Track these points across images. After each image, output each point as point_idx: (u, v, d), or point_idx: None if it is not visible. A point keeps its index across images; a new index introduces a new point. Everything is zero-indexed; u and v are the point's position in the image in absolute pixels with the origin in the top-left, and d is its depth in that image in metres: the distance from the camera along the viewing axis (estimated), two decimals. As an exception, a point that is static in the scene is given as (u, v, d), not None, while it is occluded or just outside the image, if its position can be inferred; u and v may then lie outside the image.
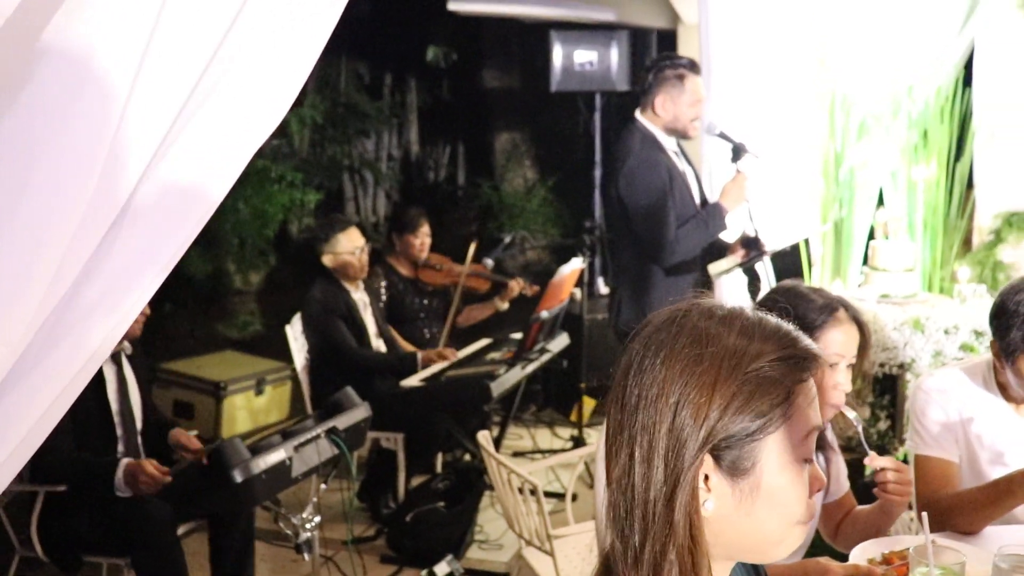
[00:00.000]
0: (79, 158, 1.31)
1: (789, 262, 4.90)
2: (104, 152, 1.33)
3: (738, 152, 3.63)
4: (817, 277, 4.90)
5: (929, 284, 4.71)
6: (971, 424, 2.32)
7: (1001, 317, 2.21)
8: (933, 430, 2.33)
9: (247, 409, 5.24)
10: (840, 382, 2.07)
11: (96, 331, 1.43)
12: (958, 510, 2.18)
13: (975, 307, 3.93)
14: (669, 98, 3.62)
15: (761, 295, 2.45)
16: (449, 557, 3.73)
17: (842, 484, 2.34)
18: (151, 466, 3.01)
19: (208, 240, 6.30)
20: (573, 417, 5.14)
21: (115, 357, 3.24)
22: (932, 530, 2.18)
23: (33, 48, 1.20)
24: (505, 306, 4.78)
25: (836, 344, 2.06)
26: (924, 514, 1.72)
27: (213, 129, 1.54)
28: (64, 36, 1.25)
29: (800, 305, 2.07)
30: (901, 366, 3.78)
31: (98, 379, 3.19)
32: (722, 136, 3.68)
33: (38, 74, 1.24)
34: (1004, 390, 2.30)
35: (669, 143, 3.71)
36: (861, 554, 1.98)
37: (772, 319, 1.10)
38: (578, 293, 4.89)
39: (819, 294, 2.13)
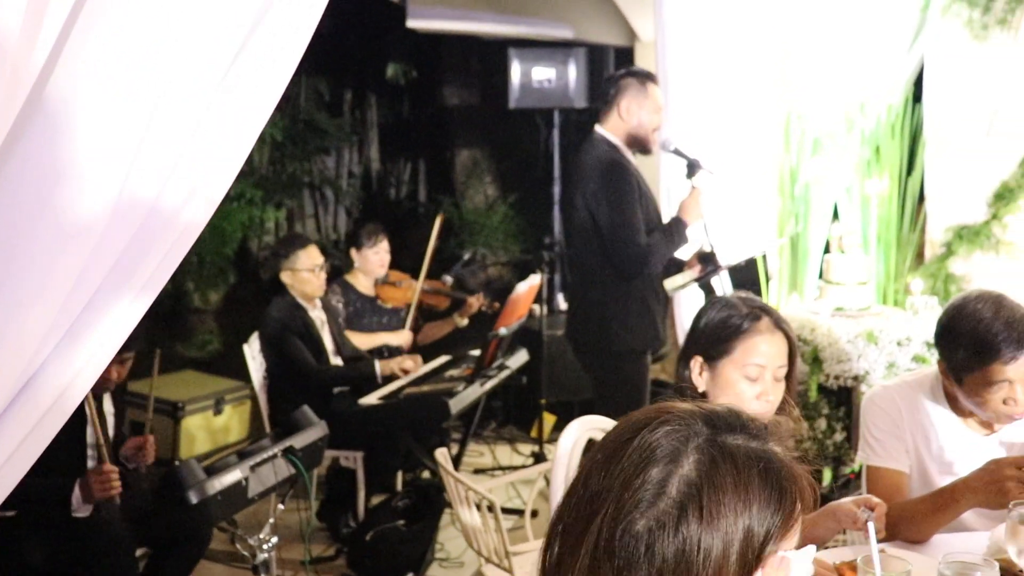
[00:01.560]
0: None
1: (747, 276, 4.95)
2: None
3: (693, 168, 3.67)
4: (775, 291, 4.95)
5: (884, 297, 4.78)
6: (920, 435, 2.36)
7: (947, 337, 2.24)
8: (883, 441, 2.37)
9: (206, 429, 5.19)
10: (764, 391, 2.06)
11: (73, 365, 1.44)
12: (906, 519, 2.21)
13: (927, 319, 3.99)
14: (635, 102, 3.66)
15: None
16: (409, 575, 3.72)
17: None
18: (96, 468, 2.98)
19: (166, 259, 6.24)
20: (534, 433, 5.14)
21: (98, 393, 3.22)
22: (883, 539, 2.22)
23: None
24: (464, 322, 4.78)
25: (759, 353, 2.05)
26: (870, 524, 1.74)
27: (196, 153, 1.55)
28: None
29: (726, 312, 2.09)
30: (856, 378, 3.83)
31: (77, 412, 3.15)
32: (677, 152, 3.72)
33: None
34: (952, 401, 2.34)
35: (628, 155, 3.75)
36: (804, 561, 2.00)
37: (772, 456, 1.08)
38: (537, 309, 4.90)
39: (746, 303, 2.13)
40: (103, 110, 1.34)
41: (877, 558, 1.61)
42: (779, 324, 2.09)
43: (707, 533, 1.00)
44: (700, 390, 2.11)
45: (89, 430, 3.16)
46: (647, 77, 3.71)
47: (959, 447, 2.33)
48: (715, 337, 2.08)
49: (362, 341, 4.54)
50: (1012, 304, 2.20)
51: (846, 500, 1.97)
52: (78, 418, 3.12)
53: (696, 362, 2.12)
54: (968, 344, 2.17)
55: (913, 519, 2.20)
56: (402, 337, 4.65)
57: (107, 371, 3.11)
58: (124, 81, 1.35)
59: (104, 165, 1.38)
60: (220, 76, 1.40)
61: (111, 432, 3.28)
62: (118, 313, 1.52)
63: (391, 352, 4.56)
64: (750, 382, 2.05)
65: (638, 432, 1.07)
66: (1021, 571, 1.88)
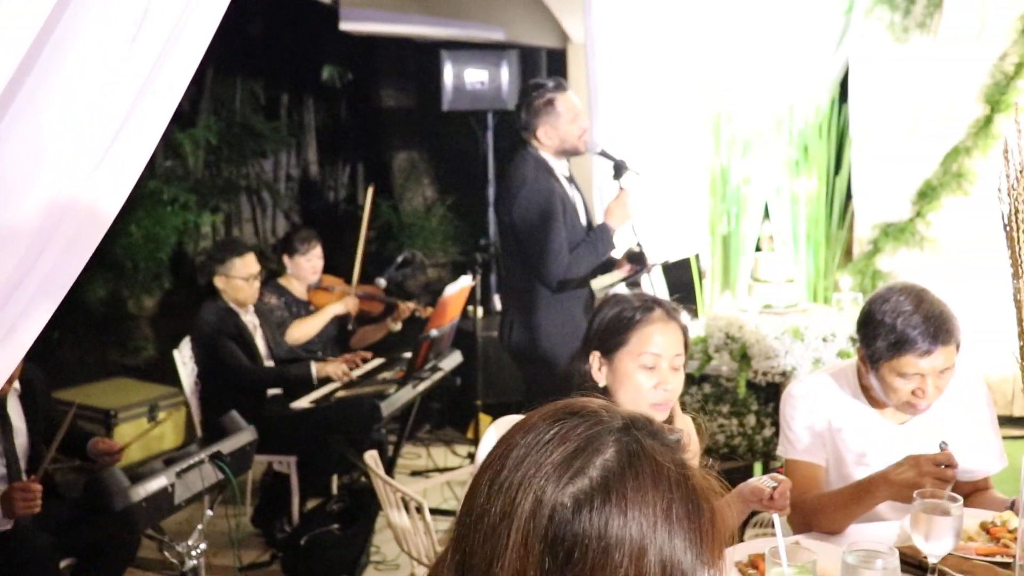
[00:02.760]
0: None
1: (680, 276, 5.01)
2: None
3: (619, 169, 3.71)
4: (708, 290, 5.02)
5: (814, 294, 4.86)
6: (836, 427, 2.41)
7: (868, 326, 2.30)
8: (800, 435, 2.42)
9: (140, 437, 5.11)
10: (662, 381, 2.10)
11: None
12: (822, 511, 2.26)
13: (852, 315, 4.06)
14: (549, 125, 3.71)
15: None
16: (344, 579, 3.70)
17: None
18: (18, 483, 2.93)
19: (100, 264, 6.15)
20: (470, 434, 5.15)
21: None
22: (799, 531, 2.27)
23: None
24: (398, 327, 4.78)
25: (653, 343, 2.09)
26: (775, 516, 1.78)
27: (101, 147, 1.53)
28: None
29: (619, 307, 2.13)
30: (783, 374, 3.89)
31: None
32: (603, 154, 3.75)
33: None
34: (867, 392, 2.39)
35: (560, 167, 3.80)
36: (729, 557, 2.03)
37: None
38: (472, 311, 4.91)
39: (639, 297, 2.18)
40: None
41: (783, 548, 1.64)
42: (672, 314, 2.13)
43: (625, 522, 0.98)
44: (601, 385, 2.14)
45: None
46: (554, 90, 3.72)
47: (873, 438, 2.39)
48: (610, 331, 2.12)
49: (310, 323, 4.53)
50: (933, 299, 2.27)
51: (752, 480, 2.03)
52: None
53: (594, 357, 2.15)
54: (887, 334, 2.23)
55: (829, 511, 2.25)
56: (349, 304, 4.67)
57: None
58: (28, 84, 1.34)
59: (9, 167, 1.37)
60: (112, 72, 1.39)
61: (23, 440, 3.20)
62: (22, 313, 1.49)
63: (328, 351, 4.54)
64: (647, 372, 2.09)
65: (556, 421, 1.05)
66: (925, 558, 1.93)
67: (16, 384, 3.19)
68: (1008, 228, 1.44)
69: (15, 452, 3.18)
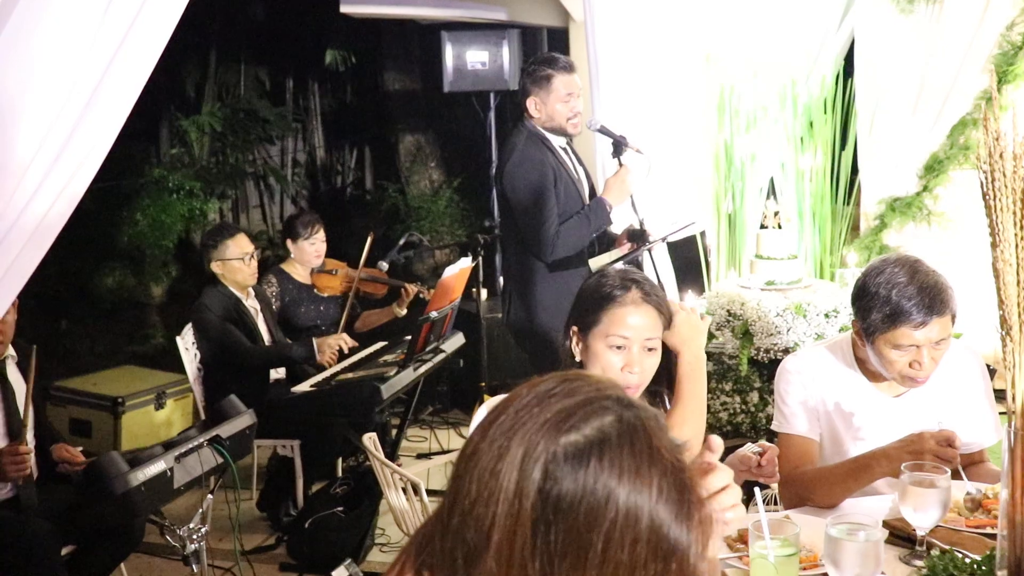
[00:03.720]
0: None
1: (686, 254, 4.99)
2: None
3: (619, 147, 3.68)
4: (714, 267, 4.99)
5: (820, 271, 4.83)
6: (831, 401, 2.39)
7: (863, 299, 2.28)
8: (794, 409, 2.40)
9: (147, 424, 5.15)
10: (629, 363, 2.04)
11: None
12: (818, 485, 2.25)
13: (856, 291, 4.03)
14: (539, 99, 3.71)
15: None
16: (348, 561, 3.67)
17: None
18: (7, 447, 2.95)
19: (107, 253, 6.18)
20: (477, 416, 5.14)
21: None
22: (792, 505, 2.25)
23: None
24: (403, 312, 4.77)
25: (624, 325, 2.04)
26: (756, 490, 1.76)
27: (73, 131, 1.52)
28: None
29: (598, 282, 2.11)
30: (786, 351, 3.86)
31: None
32: (602, 131, 3.73)
33: None
34: (863, 365, 2.37)
35: (557, 140, 3.77)
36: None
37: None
38: (475, 292, 4.89)
39: (621, 274, 2.13)
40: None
41: (766, 521, 1.63)
42: (648, 296, 2.07)
43: (618, 485, 0.94)
44: (577, 359, 2.12)
45: None
46: (551, 67, 3.71)
47: (869, 410, 2.37)
48: (586, 308, 2.09)
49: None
50: (927, 270, 2.24)
51: (738, 450, 2.02)
52: None
53: (573, 332, 2.13)
54: (881, 306, 2.21)
55: (825, 485, 2.23)
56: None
57: None
58: None
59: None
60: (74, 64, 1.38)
61: (20, 404, 3.21)
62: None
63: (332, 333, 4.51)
64: (617, 353, 2.04)
65: (562, 382, 1.02)
66: (915, 530, 1.91)
67: (11, 350, 3.21)
68: (986, 196, 1.41)
69: (18, 413, 3.20)
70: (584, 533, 0.94)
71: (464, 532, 0.98)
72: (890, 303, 2.20)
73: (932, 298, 2.18)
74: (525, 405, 1.00)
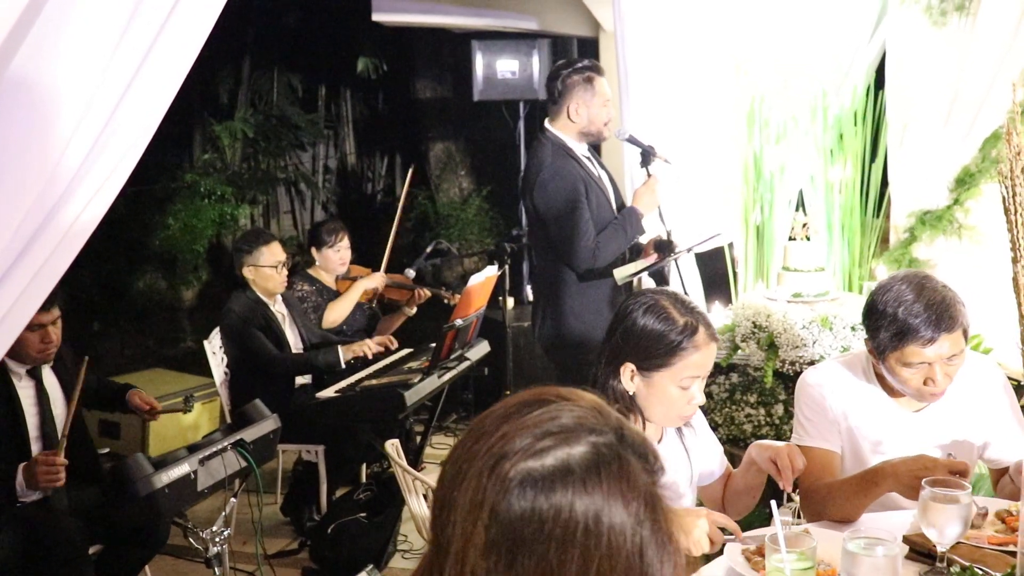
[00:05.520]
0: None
1: (714, 265, 4.96)
2: None
3: (647, 156, 3.67)
4: (741, 279, 4.96)
5: (849, 283, 4.79)
6: (851, 415, 2.37)
7: (871, 317, 2.26)
8: (813, 421, 2.39)
9: (175, 427, 5.19)
10: (694, 395, 2.14)
11: None
12: (832, 499, 2.23)
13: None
14: (582, 103, 3.67)
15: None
16: (370, 567, 3.65)
17: (718, 463, 2.43)
18: (42, 455, 2.99)
19: (139, 257, 6.26)
20: (502, 424, 5.13)
21: (33, 372, 3.21)
22: (813, 519, 2.24)
23: None
24: (412, 311, 4.79)
25: (696, 367, 2.11)
26: (773, 502, 1.75)
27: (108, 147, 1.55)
28: None
29: (662, 325, 2.11)
30: (811, 363, 3.82)
31: (8, 396, 3.16)
32: (631, 140, 3.72)
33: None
34: (882, 380, 2.35)
35: (580, 148, 3.75)
36: (735, 549, 2.01)
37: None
38: (502, 301, 4.90)
39: (680, 311, 2.13)
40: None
41: (782, 535, 1.62)
42: (712, 334, 2.15)
43: (588, 505, 0.93)
44: (629, 392, 2.15)
45: (30, 410, 3.15)
46: (593, 71, 3.70)
47: (889, 425, 2.35)
48: (652, 351, 2.11)
49: (343, 302, 4.58)
50: (935, 286, 2.22)
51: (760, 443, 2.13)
52: (8, 403, 3.12)
53: (626, 368, 2.14)
54: (889, 324, 2.19)
55: (838, 500, 2.22)
56: (376, 280, 4.70)
57: (29, 340, 3.10)
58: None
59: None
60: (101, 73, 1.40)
61: (60, 409, 3.25)
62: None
63: (357, 339, 4.54)
64: (685, 391, 2.12)
65: (542, 403, 1.00)
66: (935, 546, 1.89)
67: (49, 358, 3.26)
68: (1007, 211, 1.40)
69: (53, 420, 3.24)
70: (539, 560, 0.93)
71: (438, 543, 1.00)
72: (897, 321, 2.18)
73: (940, 314, 2.16)
74: (504, 419, 1.00)
